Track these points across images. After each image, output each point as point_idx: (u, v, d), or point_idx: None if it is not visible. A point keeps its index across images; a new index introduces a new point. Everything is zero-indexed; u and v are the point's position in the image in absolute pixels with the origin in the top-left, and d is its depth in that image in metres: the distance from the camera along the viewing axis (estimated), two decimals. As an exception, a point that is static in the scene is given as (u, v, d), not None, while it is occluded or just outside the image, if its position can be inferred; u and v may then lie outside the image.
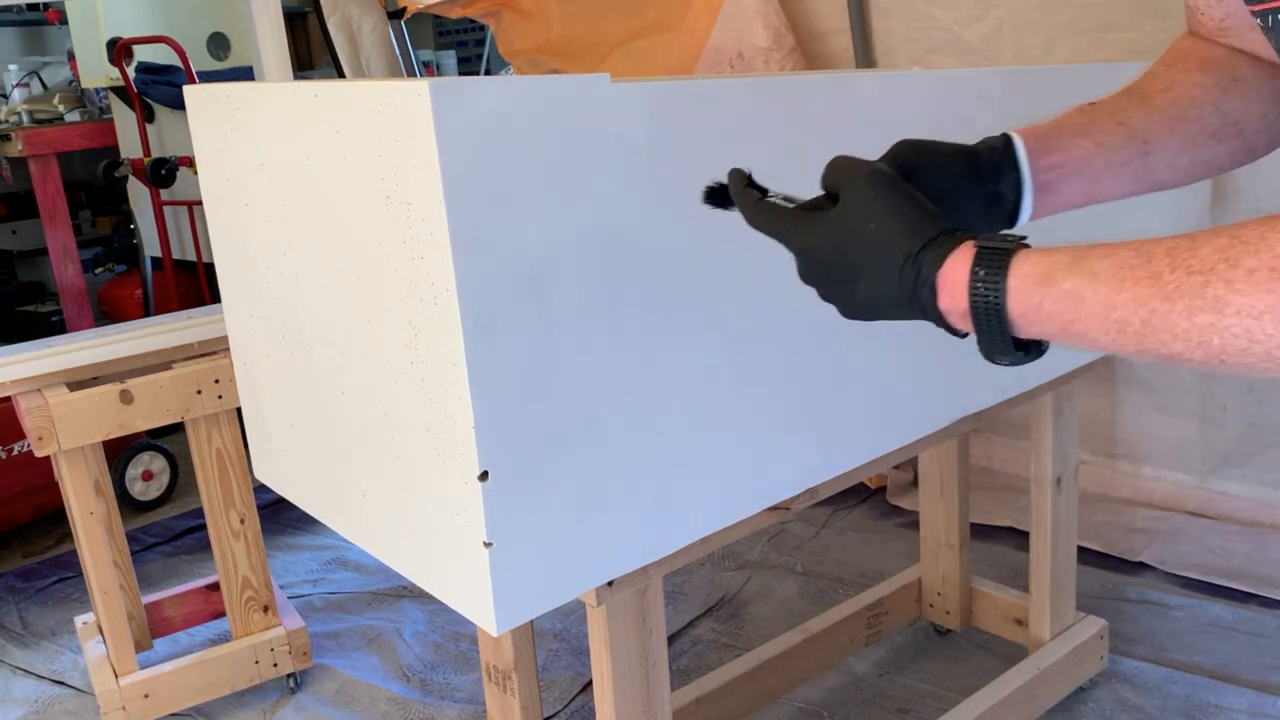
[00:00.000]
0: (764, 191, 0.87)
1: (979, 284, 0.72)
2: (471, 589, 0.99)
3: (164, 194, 3.54)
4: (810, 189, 1.19)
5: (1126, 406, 2.64)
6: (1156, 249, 0.66)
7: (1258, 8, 0.81)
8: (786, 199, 0.85)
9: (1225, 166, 0.94)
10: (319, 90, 1.01)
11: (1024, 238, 0.74)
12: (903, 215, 0.77)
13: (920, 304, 0.76)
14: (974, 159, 0.89)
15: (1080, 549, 2.00)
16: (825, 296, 0.82)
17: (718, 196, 0.90)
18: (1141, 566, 2.38)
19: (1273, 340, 0.60)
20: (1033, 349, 0.75)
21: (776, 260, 0.86)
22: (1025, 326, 0.72)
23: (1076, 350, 0.72)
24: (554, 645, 2.25)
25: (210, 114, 1.26)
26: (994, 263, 0.72)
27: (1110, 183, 0.92)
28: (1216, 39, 0.95)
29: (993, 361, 0.76)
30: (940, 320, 0.76)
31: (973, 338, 0.77)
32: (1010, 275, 0.71)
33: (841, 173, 0.81)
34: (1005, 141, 0.90)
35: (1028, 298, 0.71)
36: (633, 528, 1.07)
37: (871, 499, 2.85)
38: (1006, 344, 0.73)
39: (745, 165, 0.89)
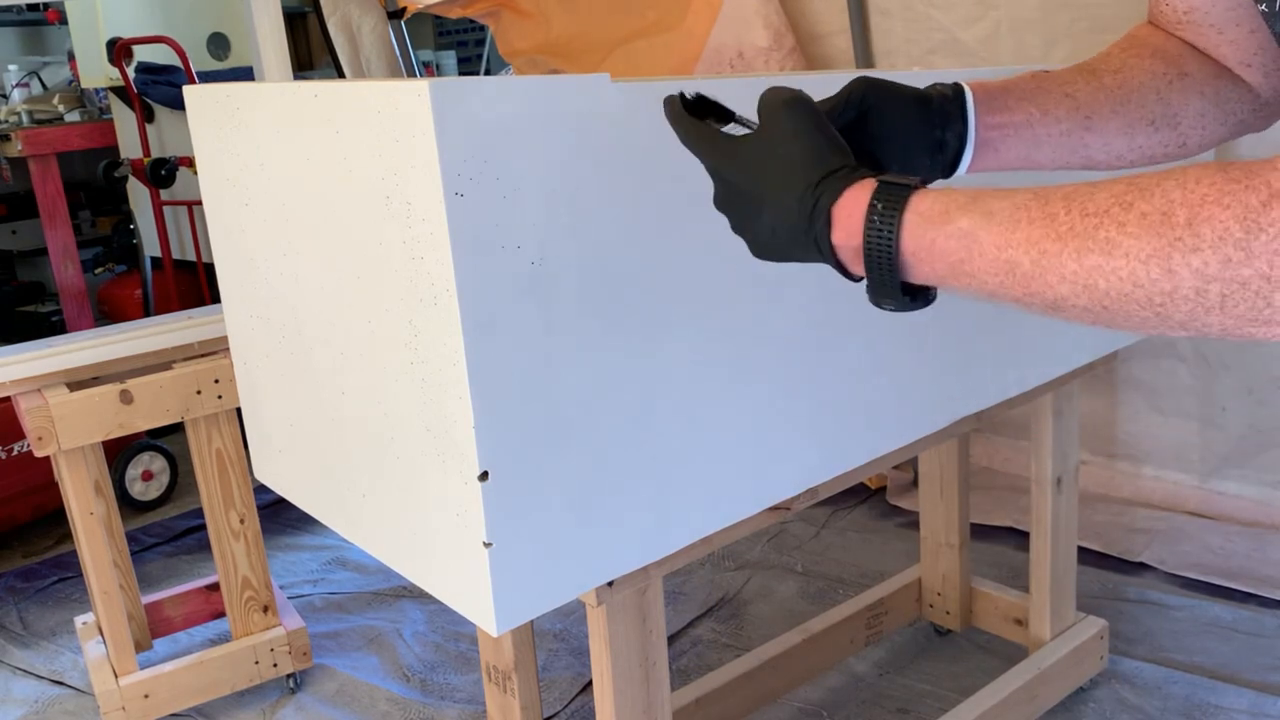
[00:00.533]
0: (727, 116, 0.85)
1: (875, 217, 0.71)
2: (471, 589, 0.99)
3: (164, 194, 3.54)
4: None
5: (1126, 407, 2.64)
6: (1055, 193, 0.65)
7: None
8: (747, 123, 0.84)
9: (1157, 158, 0.95)
10: (319, 90, 1.01)
11: (924, 180, 0.73)
12: (811, 144, 0.76)
13: (814, 237, 0.74)
14: (926, 103, 0.90)
15: (1080, 549, 2.00)
16: (735, 227, 0.81)
17: (693, 108, 0.87)
18: (1141, 566, 2.38)
19: (1156, 285, 0.60)
20: (919, 297, 0.74)
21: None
22: (916, 266, 0.71)
23: (1024, 310, 0.69)
24: (554, 645, 2.25)
25: (210, 114, 1.26)
26: (892, 198, 0.71)
27: (1048, 151, 0.93)
28: (1174, 31, 0.97)
29: (879, 306, 0.75)
30: (833, 256, 0.74)
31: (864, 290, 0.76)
32: (907, 211, 0.70)
33: (766, 100, 0.80)
34: (957, 91, 0.91)
35: (922, 235, 0.69)
36: (633, 528, 1.07)
37: (871, 499, 2.85)
38: (895, 285, 0.72)
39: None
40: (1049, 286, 0.64)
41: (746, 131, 0.82)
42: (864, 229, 0.71)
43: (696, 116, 0.86)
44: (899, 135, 0.88)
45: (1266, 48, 0.93)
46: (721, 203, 0.81)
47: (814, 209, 0.73)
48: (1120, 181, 0.63)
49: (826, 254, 0.74)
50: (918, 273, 0.71)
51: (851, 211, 0.72)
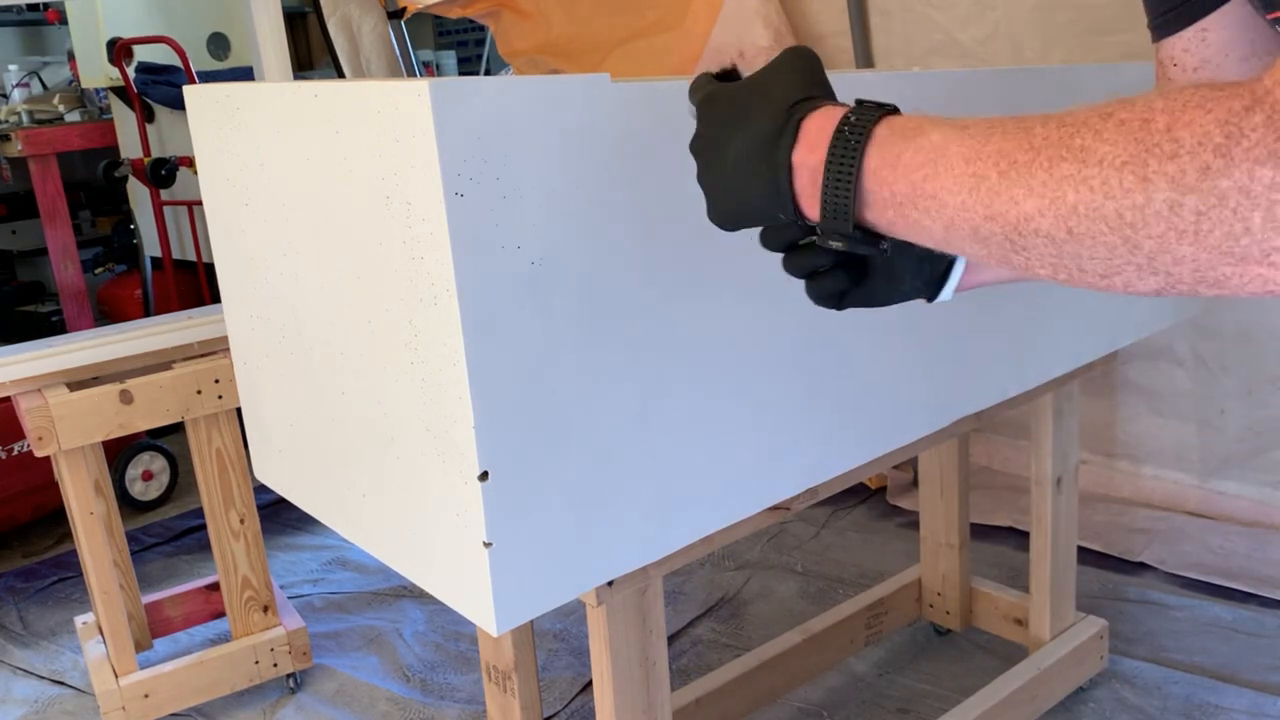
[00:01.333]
0: None
1: (845, 129, 0.66)
2: (471, 589, 0.99)
3: (164, 194, 3.54)
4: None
5: (1125, 409, 2.64)
6: (1036, 115, 0.61)
7: (1275, 15, 0.80)
8: None
9: None
10: (319, 90, 1.01)
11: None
12: (797, 75, 0.73)
13: (776, 157, 0.69)
14: None
15: (1080, 549, 2.00)
16: (700, 174, 0.76)
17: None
18: (1141, 566, 2.38)
19: (1128, 197, 0.54)
20: (871, 239, 0.68)
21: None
22: (875, 189, 0.66)
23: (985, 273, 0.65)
24: (554, 645, 2.25)
25: (210, 114, 1.26)
26: (867, 114, 0.67)
27: None
28: None
29: (825, 244, 0.70)
30: (788, 180, 0.69)
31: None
32: (879, 126, 0.66)
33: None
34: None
35: (889, 148, 0.65)
36: (633, 528, 1.07)
37: (871, 499, 2.85)
38: (847, 208, 0.66)
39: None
40: (1014, 203, 0.59)
41: None
42: (830, 140, 0.67)
43: None
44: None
45: None
46: (696, 141, 0.77)
47: (784, 125, 0.69)
48: (1107, 100, 0.59)
49: (783, 180, 0.69)
50: (876, 199, 0.66)
51: (821, 126, 0.68)
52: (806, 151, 0.68)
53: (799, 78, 0.72)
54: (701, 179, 0.76)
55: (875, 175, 0.65)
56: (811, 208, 0.69)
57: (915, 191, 0.64)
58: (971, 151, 0.61)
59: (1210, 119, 0.52)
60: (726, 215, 0.75)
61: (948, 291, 0.81)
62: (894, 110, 0.68)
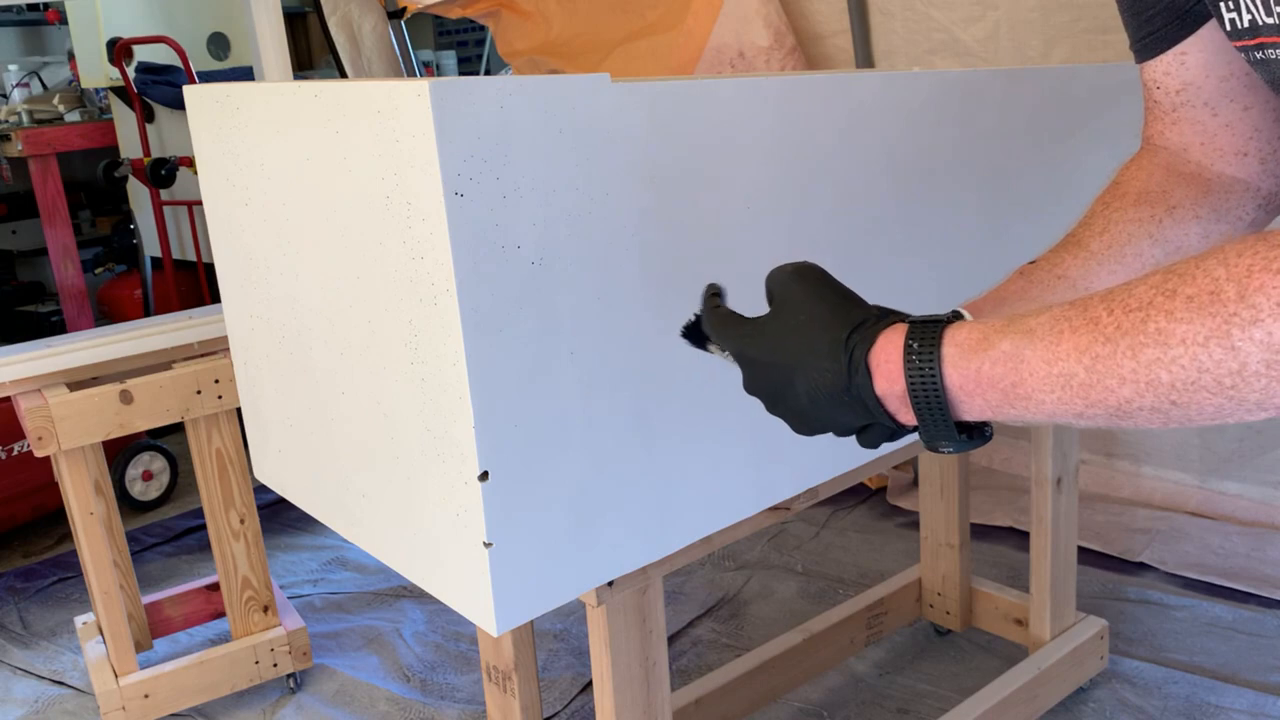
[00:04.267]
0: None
1: (914, 357, 0.69)
2: (471, 589, 0.99)
3: (164, 194, 3.54)
4: (808, 189, 1.19)
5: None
6: (1091, 298, 0.64)
7: (1241, 44, 0.81)
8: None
9: None
10: (319, 90, 1.01)
11: (957, 312, 0.72)
12: (828, 303, 0.75)
13: (857, 392, 0.72)
14: None
15: (1080, 549, 2.00)
16: (771, 407, 0.79)
17: (695, 334, 0.87)
18: (1141, 566, 2.38)
19: (1221, 366, 0.57)
20: (975, 433, 0.72)
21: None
22: (966, 400, 0.69)
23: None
24: (554, 645, 2.25)
25: (210, 114, 1.26)
26: (927, 335, 0.70)
27: None
28: (1170, 125, 0.94)
29: (935, 449, 0.73)
30: (880, 408, 0.72)
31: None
32: (945, 344, 0.69)
33: (775, 276, 0.80)
34: (955, 316, 0.89)
35: (966, 365, 0.68)
36: (633, 527, 1.07)
37: (871, 499, 2.85)
38: (948, 424, 0.70)
39: (719, 280, 0.87)
40: (1110, 391, 0.62)
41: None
42: (904, 371, 0.70)
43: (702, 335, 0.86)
44: None
45: (1262, 129, 0.91)
46: (751, 385, 0.80)
47: (850, 363, 0.72)
48: (1156, 273, 0.61)
49: (873, 407, 0.72)
50: (970, 407, 0.69)
51: (889, 357, 0.70)
52: (886, 384, 0.71)
53: (828, 308, 0.75)
54: (775, 412, 0.79)
55: (962, 390, 0.69)
56: (910, 420, 0.72)
57: (1008, 397, 0.67)
58: (1048, 353, 0.64)
59: None
60: (817, 431, 0.79)
61: None
62: (950, 319, 0.71)
